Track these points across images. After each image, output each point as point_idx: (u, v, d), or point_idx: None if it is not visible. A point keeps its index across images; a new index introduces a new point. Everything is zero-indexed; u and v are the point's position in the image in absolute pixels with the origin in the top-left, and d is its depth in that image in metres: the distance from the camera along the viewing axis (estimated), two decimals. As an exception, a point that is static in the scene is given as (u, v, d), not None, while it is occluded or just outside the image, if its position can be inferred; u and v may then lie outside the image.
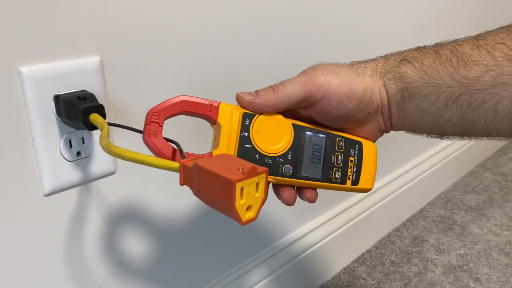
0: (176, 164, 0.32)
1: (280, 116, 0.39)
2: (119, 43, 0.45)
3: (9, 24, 0.38)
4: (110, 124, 0.38)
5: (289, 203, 0.40)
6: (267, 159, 0.38)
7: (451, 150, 1.20)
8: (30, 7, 0.39)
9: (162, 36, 0.49)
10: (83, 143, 0.45)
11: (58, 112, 0.41)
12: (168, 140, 0.36)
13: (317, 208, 0.82)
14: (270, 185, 0.40)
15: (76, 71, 0.42)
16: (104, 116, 0.39)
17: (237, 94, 0.38)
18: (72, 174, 0.45)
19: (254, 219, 0.30)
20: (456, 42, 0.38)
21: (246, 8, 0.56)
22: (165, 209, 0.56)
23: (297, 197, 0.41)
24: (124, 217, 0.52)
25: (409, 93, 0.39)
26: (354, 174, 0.42)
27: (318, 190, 0.41)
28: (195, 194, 0.32)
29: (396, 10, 0.84)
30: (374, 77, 0.40)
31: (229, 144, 0.37)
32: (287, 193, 0.40)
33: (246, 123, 0.38)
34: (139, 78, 0.48)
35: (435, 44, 0.40)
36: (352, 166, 0.42)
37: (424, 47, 0.40)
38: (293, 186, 0.41)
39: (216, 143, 0.38)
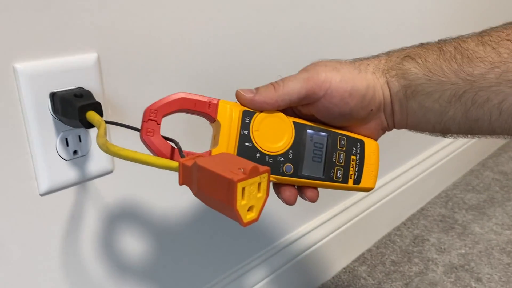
0: (175, 163, 0.32)
1: (281, 114, 0.38)
2: (116, 39, 0.45)
3: (4, 19, 0.37)
4: (107, 122, 0.37)
5: (290, 202, 0.39)
6: (267, 157, 0.38)
7: (452, 149, 1.19)
8: (25, 3, 0.38)
9: (160, 33, 0.48)
10: (80, 141, 0.44)
11: (54, 110, 0.41)
12: (166, 138, 0.35)
13: (317, 208, 0.81)
14: (271, 185, 0.39)
15: (73, 68, 0.42)
16: (101, 114, 0.39)
17: (237, 91, 0.38)
18: (68, 173, 0.44)
19: (255, 220, 0.30)
20: (460, 39, 0.38)
21: (246, 4, 0.56)
22: (163, 209, 0.56)
23: (298, 197, 0.40)
24: (122, 217, 0.51)
25: (412, 91, 0.38)
26: (356, 173, 0.41)
27: (318, 188, 0.41)
28: (195, 194, 0.31)
29: (399, 5, 0.84)
30: (376, 74, 0.39)
31: (228, 142, 0.36)
32: (288, 192, 0.39)
33: (246, 121, 0.37)
34: (136, 75, 0.47)
35: (439, 40, 0.39)
36: (354, 165, 0.41)
37: (428, 43, 0.39)
38: (294, 185, 0.40)
39: (215, 141, 0.37)
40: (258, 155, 0.37)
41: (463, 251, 0.94)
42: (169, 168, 0.32)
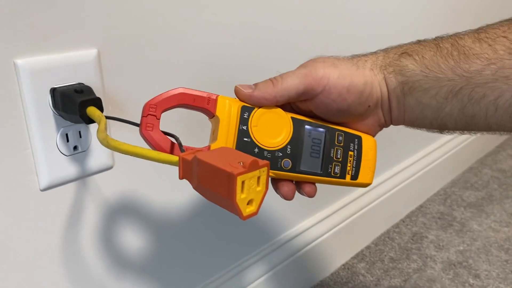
0: (175, 158, 0.32)
1: (279, 110, 0.39)
2: (116, 35, 0.45)
3: (4, 15, 0.37)
4: (107, 117, 0.37)
5: (288, 197, 0.40)
6: (265, 153, 0.38)
7: (450, 147, 1.20)
8: (26, -1, 0.38)
9: (160, 29, 0.48)
10: (80, 137, 0.44)
11: (55, 105, 0.41)
12: (166, 133, 0.35)
13: (317, 204, 0.81)
14: (269, 180, 0.40)
15: (73, 64, 0.42)
16: (101, 109, 0.39)
17: (235, 87, 0.38)
18: (69, 168, 0.44)
19: (255, 213, 0.30)
20: (457, 36, 0.38)
21: (246, 0, 0.56)
22: (163, 204, 0.56)
23: (296, 192, 0.41)
24: (122, 212, 0.52)
25: (409, 87, 0.38)
26: (354, 169, 0.41)
27: (317, 185, 0.41)
28: (195, 188, 0.31)
29: (397, 2, 0.84)
30: (374, 70, 0.39)
31: (227, 137, 0.37)
32: (286, 187, 0.40)
33: (245, 116, 0.37)
34: (136, 70, 0.48)
35: (436, 37, 0.39)
36: (352, 161, 0.41)
37: (425, 40, 0.40)
38: (292, 181, 0.40)
39: (214, 136, 0.37)
40: (256, 150, 0.38)
41: (461, 248, 0.94)
42: (170, 162, 0.32)
